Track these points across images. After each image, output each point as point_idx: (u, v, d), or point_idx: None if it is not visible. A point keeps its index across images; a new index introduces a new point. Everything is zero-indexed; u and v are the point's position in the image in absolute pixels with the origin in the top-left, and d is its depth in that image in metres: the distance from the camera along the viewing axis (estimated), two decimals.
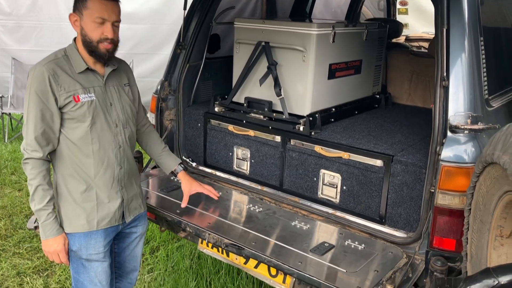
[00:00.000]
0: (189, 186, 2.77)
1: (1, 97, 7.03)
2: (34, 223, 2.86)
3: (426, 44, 5.27)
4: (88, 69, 2.26)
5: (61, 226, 2.28)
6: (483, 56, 2.45)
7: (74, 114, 2.21)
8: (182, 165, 2.77)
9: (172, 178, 3.29)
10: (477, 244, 1.95)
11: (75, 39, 2.30)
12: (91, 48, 2.21)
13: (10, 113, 7.16)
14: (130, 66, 8.15)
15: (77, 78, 2.23)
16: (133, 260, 2.67)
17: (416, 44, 5.43)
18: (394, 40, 4.84)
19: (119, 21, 2.25)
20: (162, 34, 8.10)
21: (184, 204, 2.77)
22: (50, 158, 2.29)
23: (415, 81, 3.94)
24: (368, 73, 3.62)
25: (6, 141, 6.95)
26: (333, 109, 3.27)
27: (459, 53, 2.33)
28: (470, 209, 2.01)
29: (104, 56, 2.24)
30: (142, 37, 8.21)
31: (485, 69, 2.44)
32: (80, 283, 2.39)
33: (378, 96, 3.78)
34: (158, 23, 8.20)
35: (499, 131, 1.73)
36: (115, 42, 2.26)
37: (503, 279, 1.54)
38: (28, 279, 3.67)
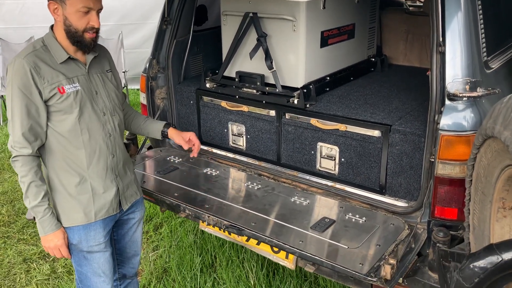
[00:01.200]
0: (180, 136, 2.65)
1: None
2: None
3: None
4: (70, 58, 2.17)
5: (58, 220, 2.25)
6: (481, 15, 2.33)
7: (60, 106, 2.13)
8: (168, 125, 2.66)
9: (167, 158, 3.25)
10: (479, 216, 1.91)
11: (52, 27, 2.19)
12: (76, 38, 2.13)
13: (2, 95, 7.04)
14: (120, 38, 7.89)
15: (60, 69, 2.14)
16: (134, 245, 2.65)
17: None
18: None
19: (102, 8, 2.17)
20: (151, 1, 7.88)
21: (188, 147, 2.68)
22: (40, 153, 2.23)
23: (410, 40, 3.81)
24: (362, 36, 3.50)
25: (1, 123, 6.88)
26: (328, 78, 3.18)
27: (455, 15, 2.22)
28: (471, 180, 1.96)
29: (90, 45, 2.17)
30: (130, 7, 8.00)
31: (483, 30, 2.34)
32: (84, 275, 2.38)
33: (373, 59, 3.67)
34: None
35: (499, 102, 1.66)
36: (98, 30, 2.18)
37: (507, 256, 1.50)
38: (35, 265, 3.69)
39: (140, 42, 8.00)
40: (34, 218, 2.78)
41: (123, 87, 7.29)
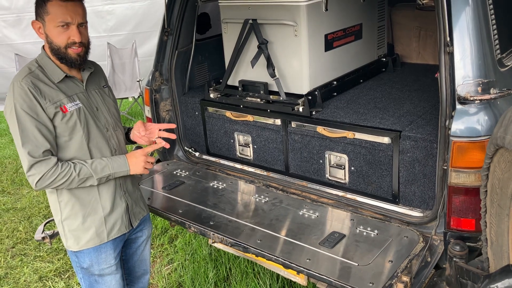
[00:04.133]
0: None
1: None
2: (42, 233, 2.81)
3: None
4: (66, 76, 2.12)
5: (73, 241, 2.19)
6: (491, 9, 2.17)
7: (65, 128, 2.07)
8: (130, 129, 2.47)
9: (174, 172, 3.17)
10: (497, 230, 1.76)
11: (43, 47, 2.14)
12: (60, 55, 2.06)
13: None
14: (133, 47, 7.90)
15: (59, 88, 2.08)
16: (143, 264, 2.59)
17: None
18: None
19: (85, 22, 2.10)
20: (163, 8, 7.86)
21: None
22: None
23: (423, 37, 3.64)
24: (370, 36, 3.34)
25: None
26: (335, 82, 3.04)
27: (463, 11, 2.07)
28: (486, 191, 1.81)
29: (76, 61, 2.09)
30: (143, 15, 8.01)
31: (494, 25, 2.17)
32: None
33: (384, 59, 3.51)
34: None
35: (510, 110, 1.51)
36: (85, 45, 2.10)
37: None
38: (50, 283, 3.67)
39: (155, 50, 7.98)
40: (42, 238, 2.76)
41: (138, 96, 7.29)
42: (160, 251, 3.95)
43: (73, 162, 2.07)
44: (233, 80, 3.11)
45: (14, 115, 2.00)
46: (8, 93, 2.03)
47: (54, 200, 2.19)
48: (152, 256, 3.86)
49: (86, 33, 2.12)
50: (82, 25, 2.08)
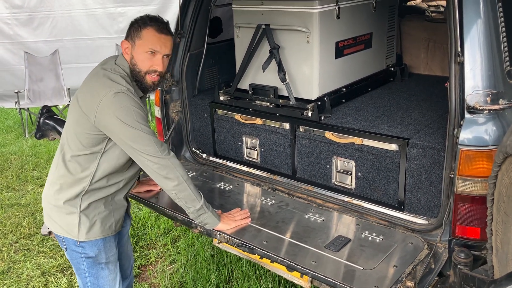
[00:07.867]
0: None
1: (17, 92, 7.02)
2: (48, 228, 2.85)
3: (445, 3, 4.93)
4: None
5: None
6: (502, 22, 2.21)
7: None
8: None
9: None
10: (503, 238, 1.79)
11: (123, 56, 2.22)
12: (138, 78, 2.18)
13: (28, 108, 7.17)
14: None
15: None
16: (128, 258, 2.70)
17: (434, 3, 5.08)
18: (409, 3, 4.54)
19: (170, 54, 2.21)
20: (172, 14, 7.95)
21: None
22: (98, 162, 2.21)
23: (432, 49, 3.68)
24: (380, 46, 3.39)
25: (26, 135, 7.00)
26: (344, 89, 3.08)
27: (474, 24, 2.11)
28: (493, 199, 1.84)
29: (150, 88, 2.22)
30: None
31: (505, 38, 2.21)
32: None
33: (392, 69, 3.55)
34: (167, 3, 8.06)
35: None
36: (162, 75, 2.23)
37: None
38: (53, 279, 3.69)
39: None
40: (49, 233, 2.81)
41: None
42: (162, 251, 3.97)
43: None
44: (243, 84, 3.15)
45: (129, 116, 2.06)
46: (111, 101, 2.06)
47: (72, 193, 2.22)
48: (154, 256, 3.89)
49: (166, 63, 2.22)
50: (168, 56, 2.21)
